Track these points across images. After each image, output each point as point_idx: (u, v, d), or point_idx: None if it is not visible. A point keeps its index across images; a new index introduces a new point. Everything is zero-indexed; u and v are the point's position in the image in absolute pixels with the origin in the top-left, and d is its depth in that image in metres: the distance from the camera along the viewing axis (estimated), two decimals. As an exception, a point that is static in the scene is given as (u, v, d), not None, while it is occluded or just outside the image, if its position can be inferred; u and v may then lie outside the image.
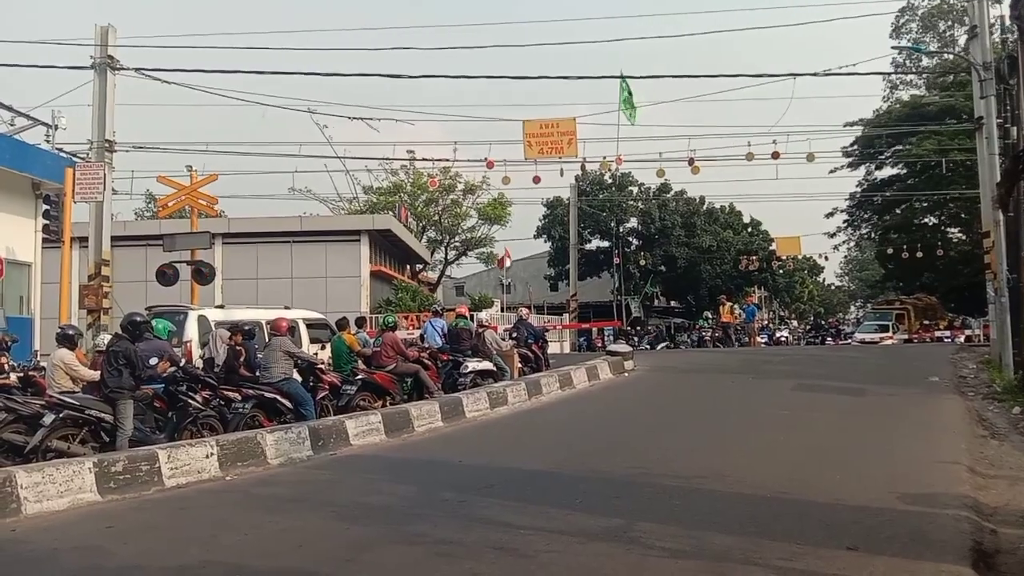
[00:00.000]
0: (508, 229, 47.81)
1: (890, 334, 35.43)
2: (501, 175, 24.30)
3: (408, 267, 42.14)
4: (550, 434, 12.08)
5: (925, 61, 42.34)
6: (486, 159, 23.18)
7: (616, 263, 45.74)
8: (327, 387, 12.77)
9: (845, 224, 46.22)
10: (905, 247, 39.06)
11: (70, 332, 10.67)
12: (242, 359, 12.03)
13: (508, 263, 40.72)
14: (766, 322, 47.28)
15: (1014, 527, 6.37)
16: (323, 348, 15.50)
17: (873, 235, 47.41)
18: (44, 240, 18.83)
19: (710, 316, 38.96)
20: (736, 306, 35.51)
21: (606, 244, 48.94)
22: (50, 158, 18.99)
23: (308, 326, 16.04)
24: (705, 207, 50.05)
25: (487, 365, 15.58)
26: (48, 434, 9.13)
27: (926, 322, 38.03)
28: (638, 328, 41.17)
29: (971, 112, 22.92)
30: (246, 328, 12.53)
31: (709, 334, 35.52)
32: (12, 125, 21.01)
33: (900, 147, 39.31)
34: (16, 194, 18.31)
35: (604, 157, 24.07)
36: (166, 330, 11.33)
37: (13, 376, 12.30)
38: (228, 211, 35.47)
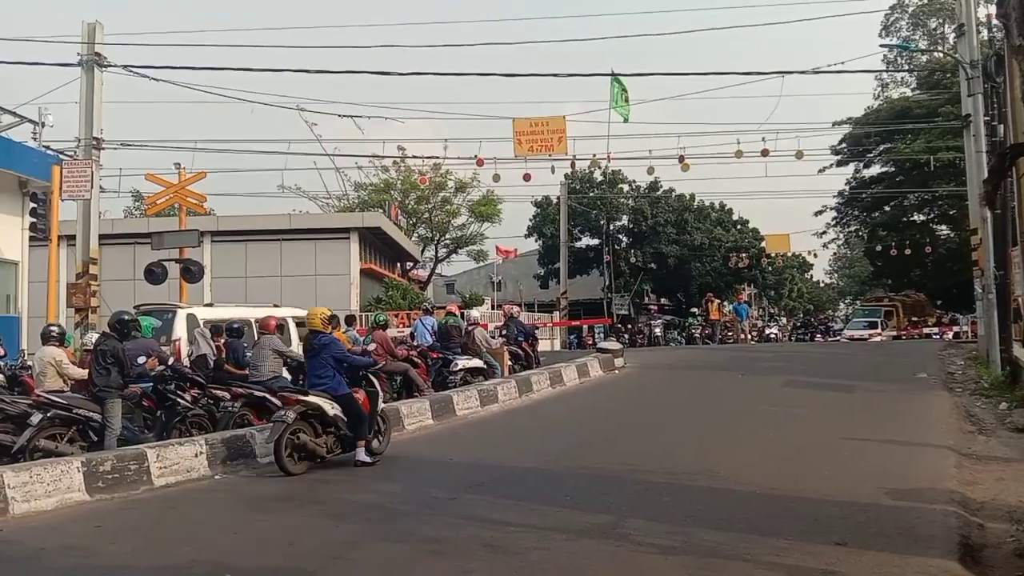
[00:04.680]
0: (499, 227, 47.80)
1: (879, 331, 35.64)
2: (491, 173, 24.28)
3: (398, 265, 42.07)
4: (540, 432, 12.10)
5: (915, 58, 42.52)
6: (476, 157, 23.16)
7: (606, 261, 45.78)
8: (317, 386, 12.71)
9: (834, 222, 46.44)
10: (894, 244, 39.26)
11: (55, 331, 10.63)
12: (223, 355, 12.05)
13: (507, 258, 40.71)
14: (755, 319, 47.49)
15: (1001, 521, 6.42)
16: (313, 346, 15.43)
17: (862, 232, 47.61)
18: (31, 238, 18.67)
19: (697, 312, 39.01)
20: (725, 303, 35.56)
21: (596, 242, 48.98)
22: (37, 156, 18.82)
23: (298, 324, 15.96)
24: (695, 204, 50.16)
25: (477, 363, 15.57)
26: (36, 433, 9.06)
27: (914, 319, 38.28)
28: (629, 326, 41.18)
29: (955, 115, 23.04)
30: (235, 326, 12.50)
31: (699, 331, 35.60)
32: (-2, 122, 20.83)
33: (889, 145, 39.47)
34: (2, 192, 18.16)
35: (594, 155, 24.08)
36: (150, 328, 11.28)
37: (0, 376, 12.21)
38: (217, 209, 35.34)
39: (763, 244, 47.93)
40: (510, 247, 42.68)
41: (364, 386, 9.66)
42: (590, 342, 34.91)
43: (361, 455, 9.23)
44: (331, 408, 9.16)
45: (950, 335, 33.78)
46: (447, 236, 48.43)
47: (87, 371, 9.80)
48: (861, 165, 43.36)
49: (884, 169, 42.81)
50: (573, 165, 26.27)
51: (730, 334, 34.79)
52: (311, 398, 9.13)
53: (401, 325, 24.39)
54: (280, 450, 8.76)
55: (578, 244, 47.99)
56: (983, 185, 16.47)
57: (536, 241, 50.25)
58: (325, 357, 9.31)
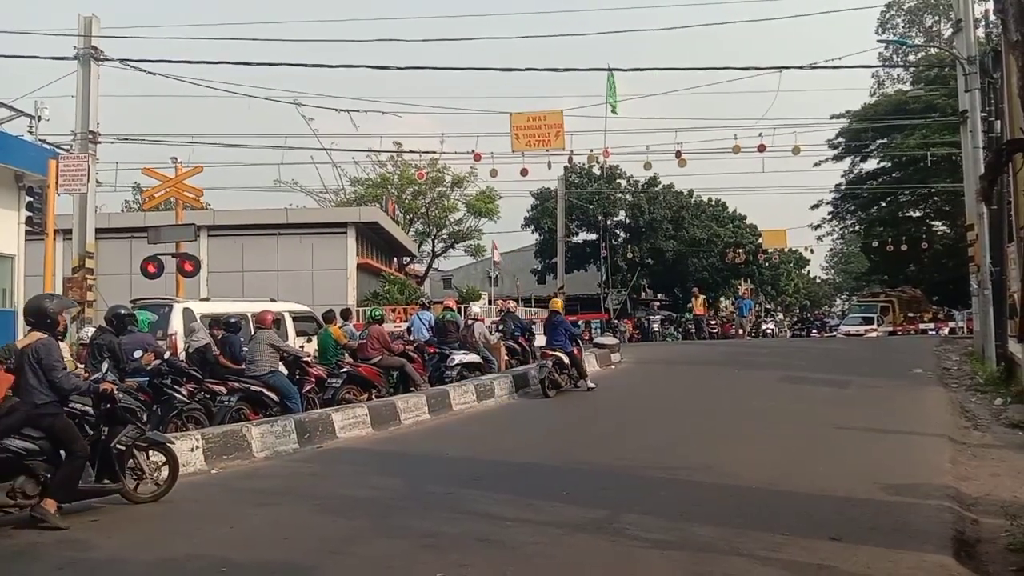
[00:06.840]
0: (496, 222, 47.77)
1: (875, 327, 35.65)
2: (489, 168, 24.22)
3: (395, 260, 42.05)
4: (537, 426, 12.11)
5: (911, 55, 42.53)
6: (473, 152, 23.10)
7: (603, 256, 45.77)
8: (313, 380, 12.74)
9: (830, 216, 46.48)
10: (890, 240, 39.28)
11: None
12: (216, 351, 12.06)
13: (498, 257, 40.74)
14: (753, 314, 47.49)
15: (995, 516, 6.44)
16: (309, 341, 15.45)
17: (858, 228, 47.66)
18: (27, 232, 18.62)
19: (691, 307, 39.05)
20: (723, 299, 35.60)
21: (593, 237, 48.99)
22: (33, 149, 18.73)
23: (294, 319, 15.97)
24: (693, 200, 50.13)
25: (474, 358, 15.56)
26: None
27: (910, 315, 38.28)
28: (624, 320, 41.14)
29: (953, 109, 23.03)
30: (232, 320, 12.49)
31: (693, 327, 35.63)
32: (-6, 116, 20.72)
33: (885, 140, 39.49)
34: (-1, 186, 18.10)
35: (591, 150, 24.09)
36: (145, 322, 11.26)
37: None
38: (213, 203, 35.28)
39: (760, 240, 47.98)
40: (504, 244, 42.67)
41: (576, 345, 15.16)
42: (586, 337, 34.90)
43: (586, 385, 14.81)
44: (566, 359, 14.59)
45: (946, 331, 33.77)
46: (444, 231, 48.40)
47: (84, 370, 9.77)
48: (858, 159, 43.41)
49: (881, 165, 42.86)
50: (571, 160, 26.27)
51: (717, 330, 34.80)
52: (556, 352, 14.49)
53: (398, 320, 24.40)
54: (544, 383, 14.17)
55: (575, 239, 47.99)
56: (980, 181, 16.47)
57: (533, 233, 50.23)
58: (560, 329, 14.89)
